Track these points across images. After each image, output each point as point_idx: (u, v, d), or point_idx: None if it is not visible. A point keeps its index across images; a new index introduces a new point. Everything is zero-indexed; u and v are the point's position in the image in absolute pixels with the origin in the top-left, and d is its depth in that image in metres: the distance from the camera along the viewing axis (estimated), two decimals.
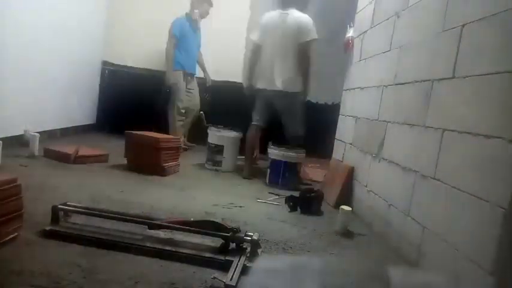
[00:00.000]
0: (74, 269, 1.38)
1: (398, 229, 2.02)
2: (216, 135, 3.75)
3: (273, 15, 3.59)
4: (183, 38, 4.50)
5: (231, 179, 3.48)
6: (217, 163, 3.73)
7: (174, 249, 1.61)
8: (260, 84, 3.64)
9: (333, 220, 2.41)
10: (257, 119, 3.72)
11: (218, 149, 3.72)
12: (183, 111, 4.64)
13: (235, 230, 1.66)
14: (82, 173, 2.85)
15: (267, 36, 3.55)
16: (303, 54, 3.44)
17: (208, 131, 3.81)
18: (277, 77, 3.49)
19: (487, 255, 1.30)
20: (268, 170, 3.42)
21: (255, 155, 3.87)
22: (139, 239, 1.67)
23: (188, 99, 4.69)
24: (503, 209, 1.26)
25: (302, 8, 3.54)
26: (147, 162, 3.12)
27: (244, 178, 3.56)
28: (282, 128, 3.66)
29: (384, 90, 2.49)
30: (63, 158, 3.10)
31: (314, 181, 3.71)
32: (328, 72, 5.10)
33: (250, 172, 3.62)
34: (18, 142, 3.34)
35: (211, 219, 1.85)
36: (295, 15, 3.48)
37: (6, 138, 3.06)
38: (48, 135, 3.94)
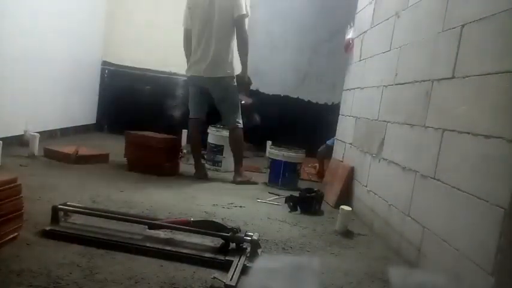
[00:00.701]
0: (73, 269, 1.38)
1: (399, 229, 2.02)
2: (216, 135, 3.74)
3: None
4: None
5: (230, 178, 3.48)
6: (217, 163, 3.73)
7: (174, 249, 1.61)
8: (189, 72, 3.28)
9: (333, 220, 2.42)
10: (193, 112, 3.39)
11: (218, 149, 3.72)
12: None
13: (235, 230, 1.66)
14: (82, 173, 2.85)
15: (195, 19, 3.18)
16: (237, 31, 3.13)
17: (208, 131, 3.81)
18: (204, 62, 3.14)
19: (487, 255, 1.30)
20: (268, 170, 3.43)
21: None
22: (139, 239, 1.67)
23: None
24: (503, 208, 1.26)
25: None
26: (147, 162, 3.12)
27: (198, 179, 3.24)
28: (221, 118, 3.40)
29: (384, 90, 2.49)
30: (63, 158, 3.10)
31: (314, 181, 3.71)
32: (328, 72, 5.12)
33: (202, 171, 3.34)
34: (18, 142, 3.34)
35: (211, 219, 1.85)
36: None
37: (6, 138, 3.06)
38: (48, 135, 3.94)
